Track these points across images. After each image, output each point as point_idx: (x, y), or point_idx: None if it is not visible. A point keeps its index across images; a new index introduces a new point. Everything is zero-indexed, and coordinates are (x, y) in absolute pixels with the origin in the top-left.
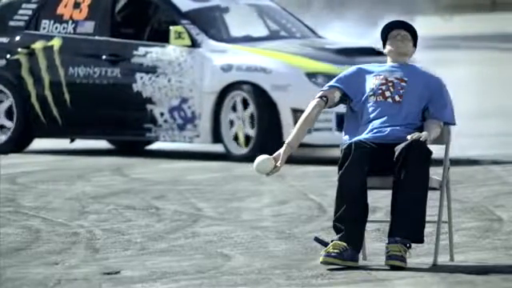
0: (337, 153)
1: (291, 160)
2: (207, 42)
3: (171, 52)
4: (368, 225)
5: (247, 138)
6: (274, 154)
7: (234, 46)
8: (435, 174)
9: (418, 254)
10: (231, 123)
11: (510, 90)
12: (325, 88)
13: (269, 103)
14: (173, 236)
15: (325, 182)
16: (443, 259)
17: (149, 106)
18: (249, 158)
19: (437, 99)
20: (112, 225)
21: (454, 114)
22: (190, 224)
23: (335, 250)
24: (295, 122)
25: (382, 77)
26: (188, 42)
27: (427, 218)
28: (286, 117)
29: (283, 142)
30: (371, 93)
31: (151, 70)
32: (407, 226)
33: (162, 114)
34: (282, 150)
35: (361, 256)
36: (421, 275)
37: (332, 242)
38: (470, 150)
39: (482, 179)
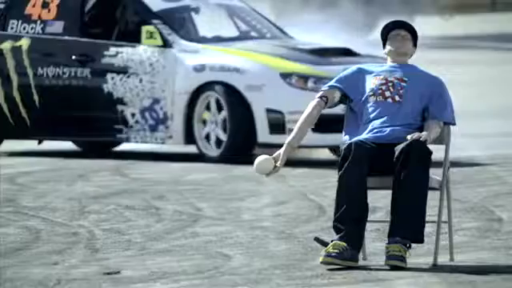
0: (321, 153)
1: (290, 160)
2: (179, 42)
3: (142, 52)
4: (368, 225)
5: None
6: (274, 154)
7: (207, 46)
8: (435, 174)
9: (417, 254)
10: (204, 124)
11: (509, 89)
12: (325, 88)
13: (242, 104)
14: (173, 236)
15: (325, 182)
16: (443, 259)
17: (120, 107)
18: (221, 160)
19: (437, 99)
20: (112, 225)
21: (454, 114)
22: (190, 224)
23: (335, 250)
24: (269, 123)
25: (381, 77)
26: (160, 42)
27: (427, 218)
28: (260, 117)
29: (257, 143)
30: (371, 93)
31: (122, 70)
32: (407, 225)
33: (133, 115)
34: (282, 150)
35: (361, 256)
36: (421, 275)
37: (332, 242)
38: (469, 150)
39: (481, 179)
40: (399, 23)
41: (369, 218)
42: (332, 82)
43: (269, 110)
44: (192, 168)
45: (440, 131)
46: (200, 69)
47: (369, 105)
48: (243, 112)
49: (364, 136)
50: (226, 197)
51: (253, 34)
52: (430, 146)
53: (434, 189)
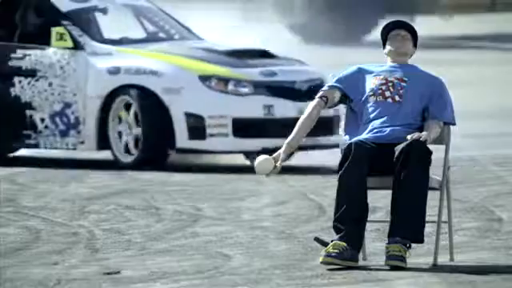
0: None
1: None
2: (91, 43)
3: (52, 54)
4: (368, 225)
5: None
6: (274, 154)
7: (121, 48)
8: (435, 174)
9: (417, 254)
10: (120, 123)
11: (509, 89)
12: (325, 88)
13: (160, 108)
14: (173, 236)
15: (325, 182)
16: (443, 259)
17: (28, 112)
18: (137, 166)
19: (437, 99)
20: (112, 225)
21: (454, 114)
22: (190, 224)
23: (335, 250)
24: (188, 128)
25: (381, 77)
26: (70, 43)
27: (427, 218)
28: (178, 122)
29: (175, 149)
30: (371, 93)
31: (30, 73)
32: (407, 225)
33: (42, 120)
34: (281, 150)
35: (361, 256)
36: (421, 275)
37: (332, 242)
38: (469, 150)
39: (481, 179)
40: (399, 23)
41: (369, 218)
42: (332, 82)
43: (188, 114)
44: (192, 168)
45: (440, 131)
46: (114, 71)
47: (369, 105)
48: (160, 116)
49: (364, 136)
50: (226, 197)
51: (161, 35)
52: (430, 146)
53: (434, 189)
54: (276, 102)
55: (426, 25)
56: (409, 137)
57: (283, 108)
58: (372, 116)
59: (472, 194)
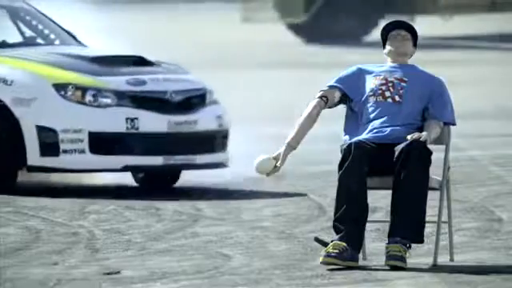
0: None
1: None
2: None
3: None
4: (368, 225)
5: None
6: (274, 154)
7: None
8: (435, 174)
9: (417, 254)
10: None
11: (510, 89)
12: (325, 88)
13: (10, 120)
14: (173, 236)
15: (325, 182)
16: (443, 259)
17: None
18: None
19: (437, 99)
20: (112, 225)
21: (454, 114)
22: (190, 224)
23: (335, 250)
24: (40, 143)
25: (381, 77)
26: None
27: (427, 218)
28: (30, 137)
29: (26, 167)
30: (371, 93)
31: None
32: (407, 226)
33: None
34: (282, 150)
35: (361, 256)
36: (421, 275)
37: (332, 242)
38: (469, 150)
39: (481, 179)
40: (399, 23)
41: (369, 218)
42: (332, 82)
43: (40, 128)
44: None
45: (440, 131)
46: None
47: (369, 105)
48: (7, 131)
49: (364, 136)
50: (226, 197)
51: (39, 40)
52: (430, 146)
53: (434, 189)
54: (141, 115)
55: (426, 25)
56: (409, 137)
57: (150, 121)
58: (372, 116)
59: (472, 194)
